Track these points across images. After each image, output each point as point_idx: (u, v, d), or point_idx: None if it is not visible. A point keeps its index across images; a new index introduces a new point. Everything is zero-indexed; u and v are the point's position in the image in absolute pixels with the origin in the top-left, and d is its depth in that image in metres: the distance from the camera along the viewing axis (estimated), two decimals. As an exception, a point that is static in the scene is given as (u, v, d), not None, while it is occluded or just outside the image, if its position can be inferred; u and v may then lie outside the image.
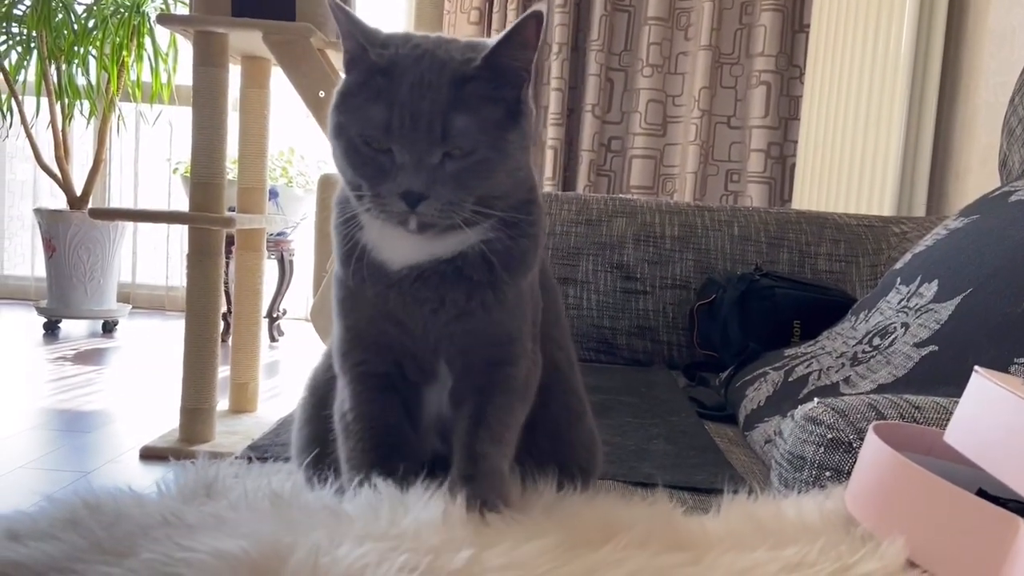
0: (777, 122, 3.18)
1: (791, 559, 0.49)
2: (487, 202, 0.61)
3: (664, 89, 3.27)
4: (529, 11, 0.61)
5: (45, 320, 3.91)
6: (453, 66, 0.60)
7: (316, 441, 0.73)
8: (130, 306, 4.26)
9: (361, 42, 0.61)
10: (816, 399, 0.76)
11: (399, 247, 0.63)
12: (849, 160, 2.52)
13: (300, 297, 4.61)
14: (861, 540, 0.52)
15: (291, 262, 4.10)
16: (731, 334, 1.58)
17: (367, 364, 0.67)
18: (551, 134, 3.24)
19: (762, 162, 3.18)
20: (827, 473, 0.68)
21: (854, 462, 0.67)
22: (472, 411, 0.65)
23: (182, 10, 3.95)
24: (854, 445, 0.68)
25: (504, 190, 0.63)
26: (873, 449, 0.56)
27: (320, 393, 0.74)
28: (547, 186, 3.22)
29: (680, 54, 3.27)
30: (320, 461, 0.71)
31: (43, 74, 3.89)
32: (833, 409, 0.72)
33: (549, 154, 3.24)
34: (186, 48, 3.91)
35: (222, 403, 2.53)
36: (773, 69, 3.15)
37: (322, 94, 2.16)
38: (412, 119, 0.58)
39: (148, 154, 4.72)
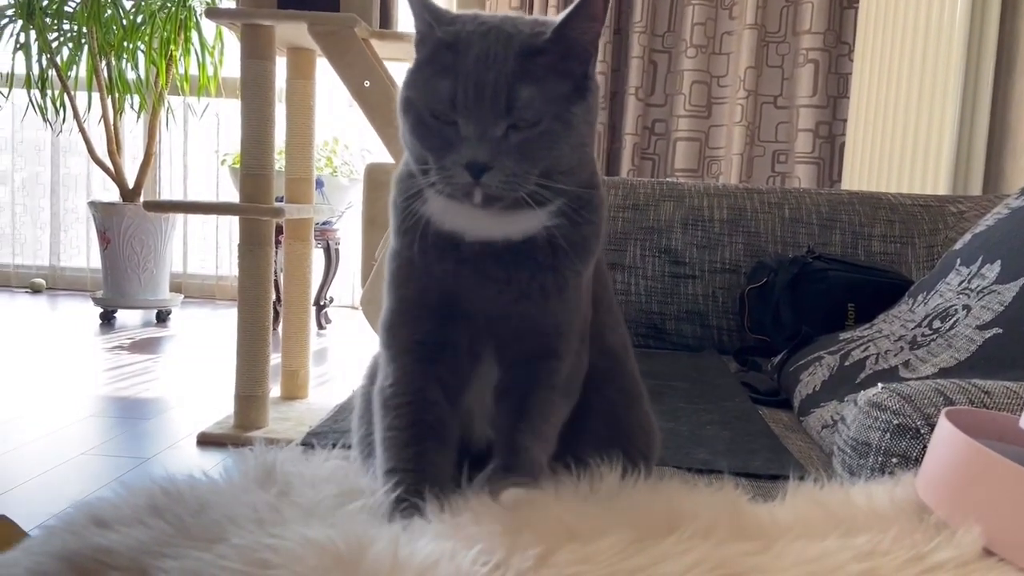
0: (825, 101, 3.12)
1: (863, 547, 0.48)
2: (552, 177, 0.61)
3: (708, 70, 3.22)
4: None
5: (101, 310, 4.01)
6: (520, 39, 0.61)
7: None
8: (182, 296, 4.36)
9: (429, 20, 0.62)
10: (880, 384, 0.75)
11: (466, 221, 0.64)
12: (901, 138, 2.46)
13: (346, 285, 4.67)
14: (935, 528, 0.51)
15: (337, 251, 4.15)
16: (783, 318, 1.56)
17: (415, 336, 0.67)
18: (594, 118, 3.21)
19: (810, 142, 3.12)
20: (894, 460, 0.67)
21: (922, 448, 0.66)
22: (515, 404, 0.66)
23: (228, 3, 4.00)
24: (922, 431, 0.67)
25: (569, 165, 0.62)
26: (946, 435, 0.55)
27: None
28: (591, 170, 3.20)
29: (725, 34, 3.22)
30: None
31: (94, 69, 3.98)
32: (899, 394, 0.71)
33: (592, 138, 3.21)
34: (232, 40, 3.96)
35: (274, 390, 2.57)
36: (821, 47, 3.08)
37: (367, 84, 2.17)
38: (476, 90, 0.59)
39: (196, 146, 4.81)
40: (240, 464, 0.69)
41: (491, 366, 0.68)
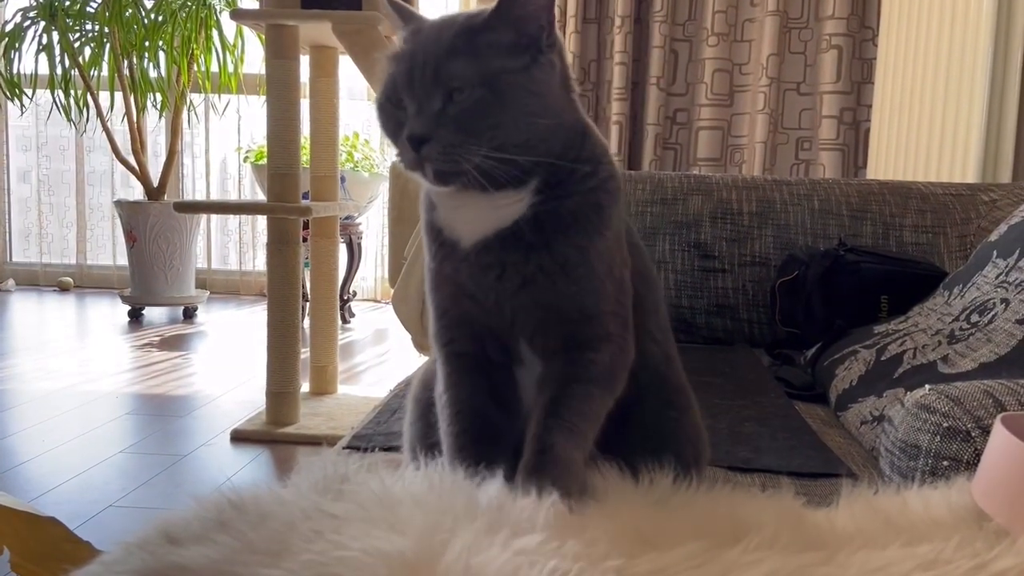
0: (850, 87, 3.09)
1: (926, 556, 0.49)
2: (507, 149, 0.61)
3: (730, 58, 3.21)
4: None
5: (129, 308, 4.06)
6: (461, 21, 0.64)
7: (429, 435, 0.74)
8: (208, 292, 4.40)
9: (398, 21, 0.67)
10: (927, 385, 0.75)
11: (467, 222, 0.66)
12: (928, 124, 2.44)
13: (369, 279, 4.70)
14: (995, 535, 0.52)
15: (359, 245, 4.17)
16: (815, 311, 1.56)
17: (454, 343, 0.69)
18: (615, 109, 3.21)
19: (834, 129, 3.10)
20: (945, 462, 0.67)
21: (973, 451, 0.66)
22: (546, 399, 0.65)
23: (250, 3, 4.02)
24: (972, 434, 0.67)
25: (522, 137, 0.62)
26: (1002, 442, 0.55)
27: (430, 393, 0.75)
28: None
29: (746, 21, 3.20)
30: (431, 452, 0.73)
31: (116, 69, 4.01)
32: (947, 396, 0.71)
33: (614, 129, 3.21)
34: (252, 37, 3.98)
35: (303, 386, 2.60)
36: (844, 32, 3.06)
37: (392, 81, 2.18)
38: (412, 69, 0.62)
39: (218, 142, 4.84)
40: (304, 474, 0.71)
41: (534, 363, 0.68)
